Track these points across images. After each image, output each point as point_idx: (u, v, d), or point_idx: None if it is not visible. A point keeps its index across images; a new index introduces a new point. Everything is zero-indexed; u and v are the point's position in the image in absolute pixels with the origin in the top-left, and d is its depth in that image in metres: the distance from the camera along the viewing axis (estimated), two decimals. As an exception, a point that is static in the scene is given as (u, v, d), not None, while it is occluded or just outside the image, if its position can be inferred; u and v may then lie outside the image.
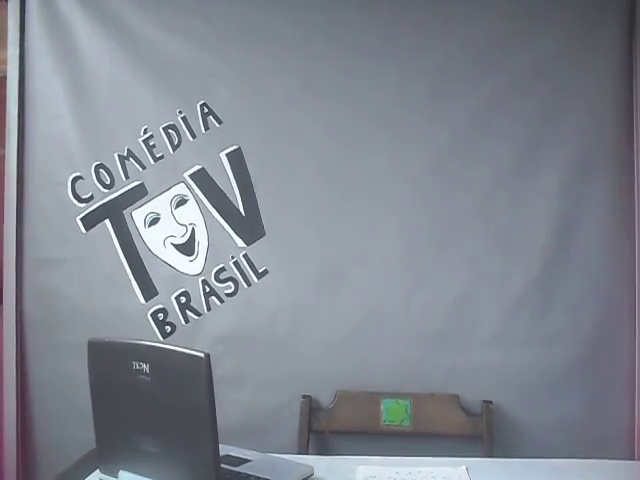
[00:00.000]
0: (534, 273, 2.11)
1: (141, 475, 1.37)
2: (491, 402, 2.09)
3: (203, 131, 2.19)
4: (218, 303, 2.17)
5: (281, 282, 2.16)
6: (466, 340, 2.12)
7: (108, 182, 2.20)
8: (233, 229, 2.18)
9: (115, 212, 2.20)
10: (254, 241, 2.18)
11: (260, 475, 1.50)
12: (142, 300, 2.18)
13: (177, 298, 2.17)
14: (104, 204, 2.21)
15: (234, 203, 2.18)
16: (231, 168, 2.18)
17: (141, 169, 2.20)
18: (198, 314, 2.17)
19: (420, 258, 2.14)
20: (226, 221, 2.19)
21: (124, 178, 2.20)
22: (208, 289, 2.17)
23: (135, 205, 2.20)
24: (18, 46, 2.23)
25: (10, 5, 2.24)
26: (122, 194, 2.21)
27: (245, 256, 2.17)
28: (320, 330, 2.14)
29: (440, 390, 2.11)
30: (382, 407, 2.12)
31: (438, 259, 2.14)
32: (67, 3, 2.18)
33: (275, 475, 1.50)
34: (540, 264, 2.11)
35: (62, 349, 2.17)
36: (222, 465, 1.38)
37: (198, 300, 2.17)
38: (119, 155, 2.20)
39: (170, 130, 2.20)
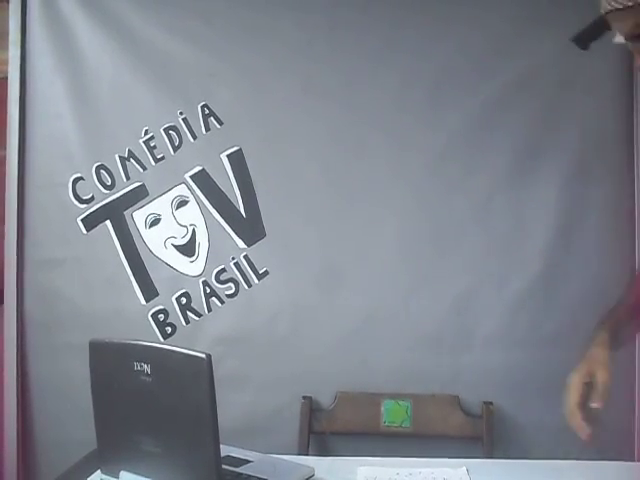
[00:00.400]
0: (534, 275, 2.11)
1: (142, 475, 1.37)
2: (491, 403, 2.09)
3: (204, 132, 2.19)
4: (219, 304, 2.17)
5: (281, 283, 2.16)
6: (466, 341, 2.12)
7: (109, 183, 2.20)
8: (234, 230, 2.18)
9: (116, 213, 2.20)
10: (255, 242, 2.18)
11: (261, 476, 1.50)
12: (143, 301, 2.18)
13: (178, 299, 2.17)
14: (105, 205, 2.21)
15: (235, 204, 2.18)
16: (232, 169, 2.18)
17: (142, 170, 2.20)
18: (199, 315, 2.17)
19: (420, 260, 2.14)
20: (227, 222, 2.18)
21: (125, 179, 2.20)
22: (209, 290, 2.17)
23: (136, 206, 2.20)
24: (19, 47, 2.22)
25: (11, 6, 2.24)
26: (123, 195, 2.20)
27: (246, 257, 2.17)
28: (320, 331, 2.14)
29: (440, 391, 2.11)
30: (382, 408, 2.12)
31: (438, 261, 2.14)
32: (68, 4, 2.18)
33: (276, 476, 1.50)
34: (540, 266, 2.11)
35: (63, 349, 2.17)
36: (223, 466, 1.38)
37: (199, 301, 2.17)
38: (120, 156, 2.20)
39: (171, 131, 2.20)
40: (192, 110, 2.19)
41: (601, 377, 1.43)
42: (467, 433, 2.09)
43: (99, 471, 1.46)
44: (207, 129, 2.19)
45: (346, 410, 2.12)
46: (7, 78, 2.26)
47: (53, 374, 2.20)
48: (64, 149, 2.22)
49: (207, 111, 2.19)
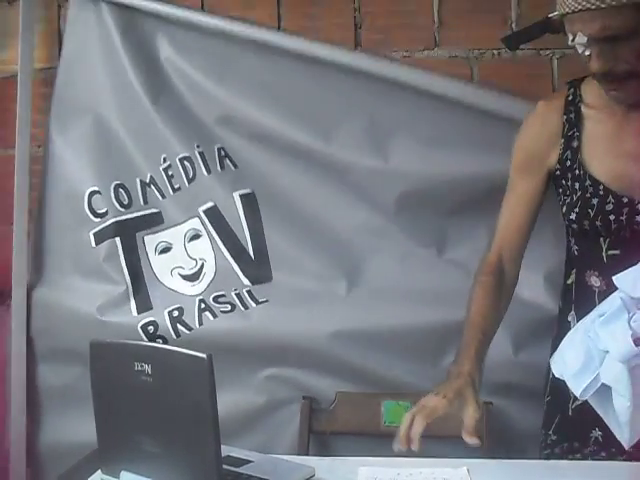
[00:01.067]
0: (536, 278, 2.11)
1: (143, 476, 1.37)
2: (491, 403, 2.09)
3: (219, 169, 2.19)
4: (211, 318, 2.13)
5: (281, 308, 2.15)
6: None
7: (126, 202, 2.20)
8: (242, 270, 2.17)
9: (127, 232, 2.19)
10: (260, 283, 2.17)
11: (261, 476, 1.50)
12: (134, 312, 2.15)
13: (170, 312, 2.14)
14: (118, 222, 2.19)
15: (244, 245, 2.17)
16: (243, 210, 2.17)
17: (161, 198, 2.20)
18: (189, 328, 2.12)
19: (424, 263, 2.14)
20: (235, 262, 2.17)
21: (142, 202, 2.20)
22: (203, 306, 2.14)
23: (149, 231, 2.20)
24: (28, 45, 2.23)
25: (22, 12, 2.23)
26: (138, 217, 2.20)
27: (249, 291, 2.16)
28: (321, 331, 2.13)
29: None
30: (382, 408, 2.12)
31: (440, 263, 2.13)
32: (104, 18, 2.18)
33: (276, 476, 1.50)
34: (543, 271, 2.10)
35: (61, 355, 2.16)
36: (223, 466, 1.38)
37: (191, 315, 2.13)
38: (141, 180, 2.20)
39: (186, 162, 2.19)
40: (209, 148, 2.19)
41: (473, 414, 1.52)
42: (467, 433, 2.08)
43: (99, 471, 1.46)
44: (222, 168, 2.19)
45: (346, 410, 2.12)
46: (12, 76, 2.27)
47: (56, 378, 2.20)
48: (84, 162, 2.21)
49: (223, 153, 2.19)
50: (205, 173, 2.19)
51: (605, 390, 1.39)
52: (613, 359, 1.35)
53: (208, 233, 2.18)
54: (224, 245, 2.18)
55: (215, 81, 2.18)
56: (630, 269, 1.41)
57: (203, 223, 2.18)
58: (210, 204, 2.19)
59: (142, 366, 1.33)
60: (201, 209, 2.19)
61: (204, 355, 1.29)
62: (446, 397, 1.54)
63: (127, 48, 2.18)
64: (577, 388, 1.41)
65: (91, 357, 1.41)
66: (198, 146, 2.19)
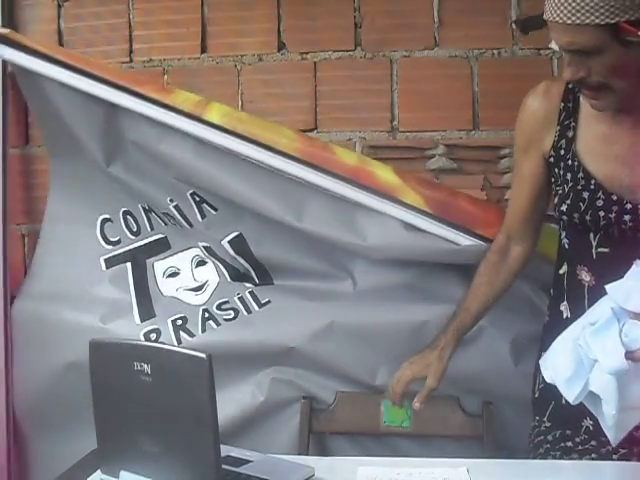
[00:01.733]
0: (535, 277, 2.11)
1: (142, 475, 1.37)
2: (491, 403, 2.09)
3: (199, 219, 2.18)
4: (214, 326, 2.13)
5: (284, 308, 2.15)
6: (467, 342, 2.12)
7: (135, 229, 2.22)
8: (246, 288, 2.19)
9: (138, 259, 2.21)
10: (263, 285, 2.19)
11: (261, 476, 1.50)
12: (137, 320, 2.15)
13: (173, 321, 2.14)
14: (130, 250, 2.21)
15: (247, 275, 2.19)
16: (235, 252, 2.17)
17: (164, 225, 2.21)
18: (192, 335, 2.12)
19: (421, 270, 2.14)
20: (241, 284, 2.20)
21: (149, 229, 2.22)
22: (207, 315, 2.14)
23: (158, 257, 2.22)
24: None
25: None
26: (146, 244, 2.22)
27: (251, 292, 2.16)
28: (320, 331, 2.12)
29: (440, 391, 2.10)
30: (382, 408, 2.12)
31: (437, 270, 2.14)
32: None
33: (276, 476, 1.50)
34: (543, 282, 2.10)
35: (54, 365, 2.16)
36: (223, 466, 1.38)
37: (194, 323, 2.13)
38: (142, 207, 2.22)
39: (166, 218, 2.21)
40: (182, 197, 2.17)
41: (430, 384, 1.76)
42: (467, 433, 2.09)
43: (99, 471, 1.46)
44: (202, 216, 2.18)
45: (346, 410, 2.12)
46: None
47: (44, 386, 2.19)
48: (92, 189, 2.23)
49: (198, 198, 2.17)
50: (188, 227, 2.20)
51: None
52: (602, 369, 1.37)
53: (213, 262, 2.21)
54: (228, 274, 2.21)
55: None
56: (623, 279, 1.41)
57: (204, 255, 2.21)
58: (205, 244, 2.21)
59: (141, 366, 1.33)
60: (201, 244, 2.21)
61: (203, 355, 1.29)
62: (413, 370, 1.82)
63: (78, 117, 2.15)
64: (569, 394, 1.44)
65: (91, 357, 1.41)
66: (172, 200, 2.18)
